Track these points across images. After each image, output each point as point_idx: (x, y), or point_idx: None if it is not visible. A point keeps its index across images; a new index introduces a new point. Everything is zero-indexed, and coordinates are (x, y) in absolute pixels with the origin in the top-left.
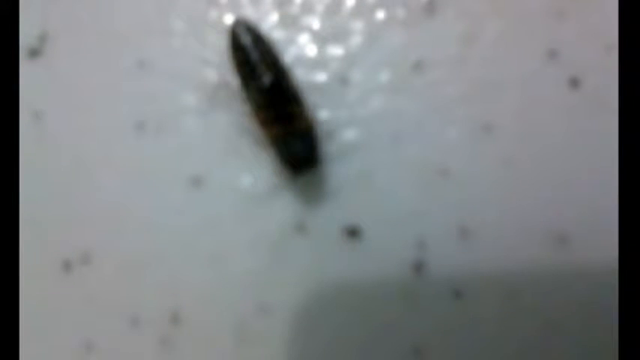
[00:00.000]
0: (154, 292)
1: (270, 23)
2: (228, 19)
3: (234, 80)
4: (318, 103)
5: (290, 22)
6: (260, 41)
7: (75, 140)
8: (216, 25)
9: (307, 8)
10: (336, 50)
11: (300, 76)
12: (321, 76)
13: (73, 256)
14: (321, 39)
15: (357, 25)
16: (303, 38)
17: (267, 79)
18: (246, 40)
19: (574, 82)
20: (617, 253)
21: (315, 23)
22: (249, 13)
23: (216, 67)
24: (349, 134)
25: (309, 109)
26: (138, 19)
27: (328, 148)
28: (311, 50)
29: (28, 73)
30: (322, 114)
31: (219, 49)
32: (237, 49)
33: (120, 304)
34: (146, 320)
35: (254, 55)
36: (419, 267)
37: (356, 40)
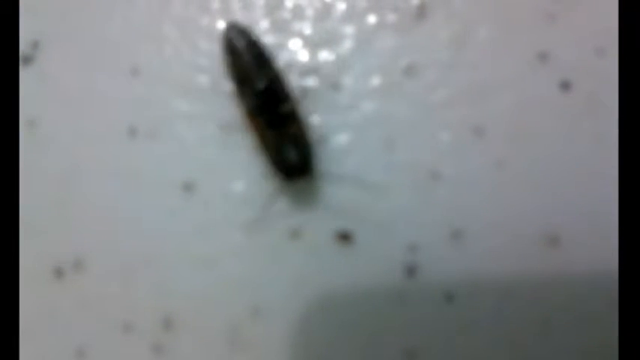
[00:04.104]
0: (146, 298)
1: (261, 29)
2: (221, 25)
3: (226, 85)
4: (310, 108)
5: (281, 28)
6: (253, 45)
7: (67, 146)
8: (208, 31)
9: (298, 13)
10: (327, 55)
11: (292, 81)
12: (312, 81)
13: (66, 263)
14: (313, 44)
15: (348, 30)
16: (295, 43)
17: (260, 82)
18: (239, 43)
19: (565, 85)
20: (609, 254)
21: (307, 28)
22: (241, 19)
23: (209, 72)
24: (341, 139)
25: (303, 114)
26: (130, 25)
27: (320, 152)
28: (302, 55)
29: (20, 79)
30: (314, 119)
31: (211, 55)
32: (231, 52)
33: (112, 310)
34: (139, 326)
35: (247, 59)
36: (411, 270)
37: (347, 44)
